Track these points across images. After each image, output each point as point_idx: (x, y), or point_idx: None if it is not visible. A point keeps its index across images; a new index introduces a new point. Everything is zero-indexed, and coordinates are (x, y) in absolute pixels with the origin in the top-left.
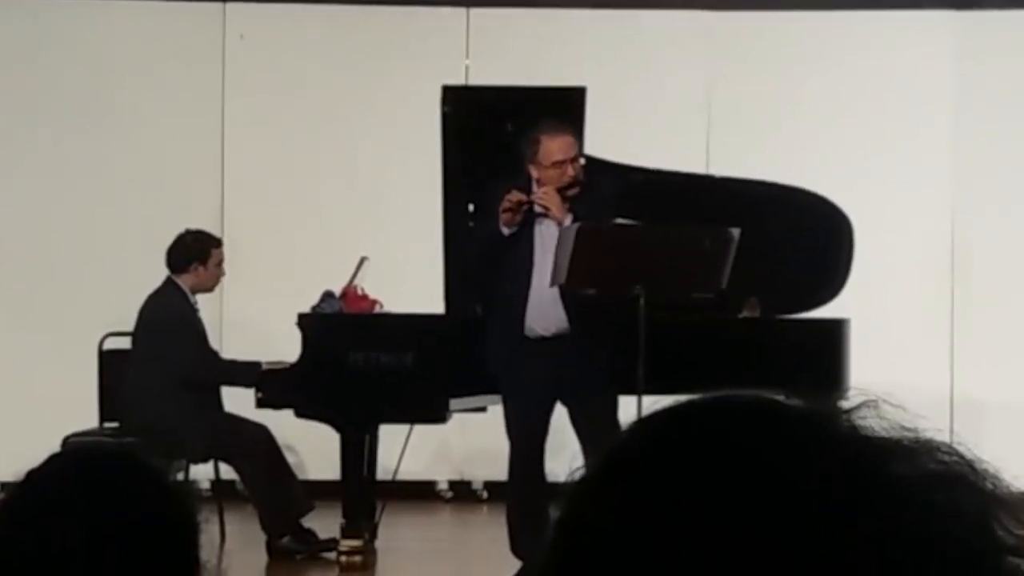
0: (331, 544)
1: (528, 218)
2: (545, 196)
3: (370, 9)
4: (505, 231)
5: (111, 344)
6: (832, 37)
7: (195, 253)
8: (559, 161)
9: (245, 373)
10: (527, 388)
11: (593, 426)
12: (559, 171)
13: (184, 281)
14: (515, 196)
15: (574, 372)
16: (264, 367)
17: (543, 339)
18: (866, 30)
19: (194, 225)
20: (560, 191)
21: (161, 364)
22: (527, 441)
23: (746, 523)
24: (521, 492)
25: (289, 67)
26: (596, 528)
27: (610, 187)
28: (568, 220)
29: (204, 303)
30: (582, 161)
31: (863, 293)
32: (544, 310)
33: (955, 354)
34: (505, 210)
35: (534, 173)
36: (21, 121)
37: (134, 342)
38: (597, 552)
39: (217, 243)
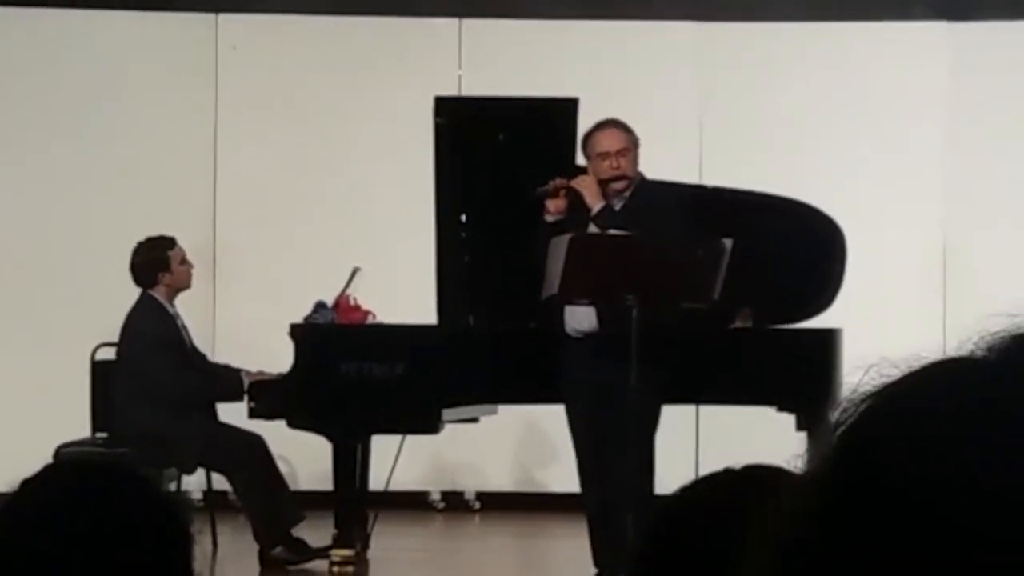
0: (323, 554)
1: (579, 217)
2: (581, 181)
3: (363, 20)
4: (548, 218)
5: (103, 354)
6: (824, 48)
7: (155, 263)
8: (604, 152)
9: (226, 389)
10: (574, 389)
11: (617, 434)
12: (606, 163)
13: (158, 292)
14: (556, 181)
15: (607, 374)
16: (243, 376)
17: (582, 338)
18: (858, 41)
19: (186, 234)
20: (602, 182)
21: (146, 380)
22: (585, 448)
23: None
24: (592, 500)
25: (281, 78)
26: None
27: (674, 199)
28: (598, 207)
29: (196, 314)
30: (633, 158)
31: (855, 303)
32: (575, 307)
33: None
34: (548, 195)
35: (589, 168)
36: (12, 132)
37: (118, 357)
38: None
39: (172, 244)
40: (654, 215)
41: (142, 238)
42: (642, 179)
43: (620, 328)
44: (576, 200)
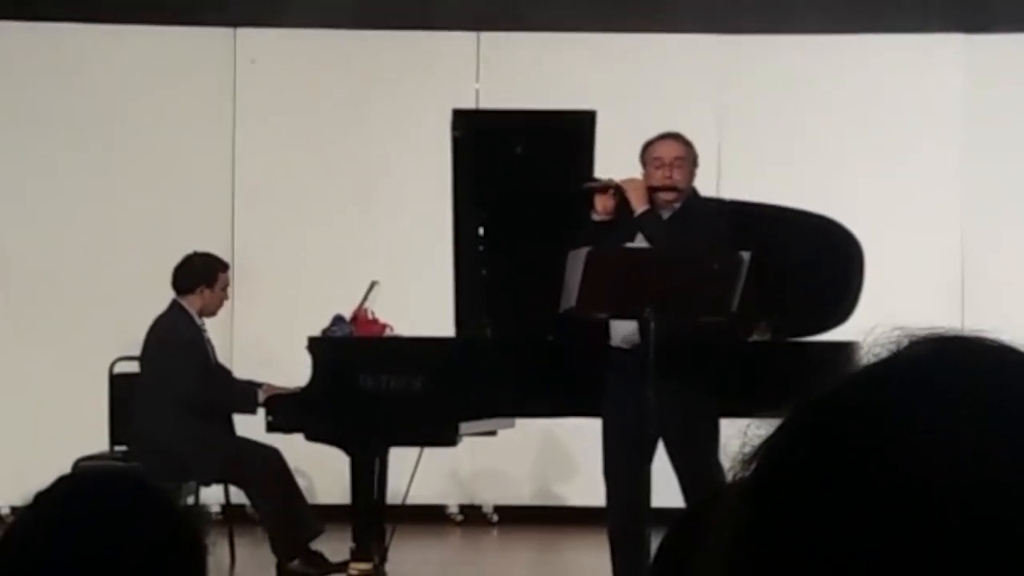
0: (341, 567)
1: (626, 220)
2: (630, 182)
3: (380, 34)
4: (595, 217)
5: (121, 368)
6: (842, 60)
7: (202, 276)
8: (658, 159)
9: (244, 400)
10: (615, 406)
11: (686, 457)
12: (659, 171)
13: (190, 303)
14: (607, 179)
15: (656, 394)
16: (264, 390)
17: (628, 351)
18: (876, 53)
19: (205, 248)
20: (652, 189)
21: (168, 388)
22: (617, 465)
23: None
24: (617, 517)
25: (300, 92)
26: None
27: (722, 214)
28: (642, 209)
29: (214, 327)
30: (690, 173)
31: (872, 315)
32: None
33: None
34: (596, 191)
35: (642, 175)
36: (34, 144)
37: (142, 365)
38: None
39: (224, 267)
40: (700, 228)
41: (160, 251)
42: (694, 192)
43: (669, 342)
44: (624, 203)
